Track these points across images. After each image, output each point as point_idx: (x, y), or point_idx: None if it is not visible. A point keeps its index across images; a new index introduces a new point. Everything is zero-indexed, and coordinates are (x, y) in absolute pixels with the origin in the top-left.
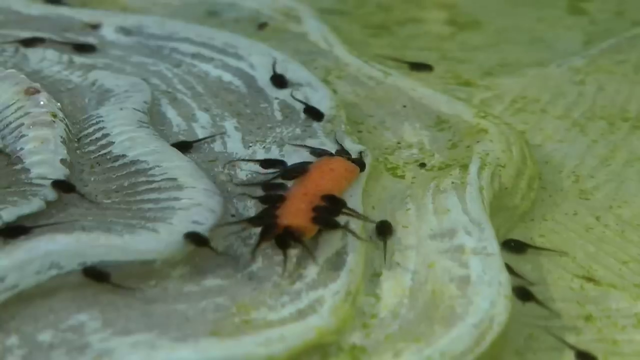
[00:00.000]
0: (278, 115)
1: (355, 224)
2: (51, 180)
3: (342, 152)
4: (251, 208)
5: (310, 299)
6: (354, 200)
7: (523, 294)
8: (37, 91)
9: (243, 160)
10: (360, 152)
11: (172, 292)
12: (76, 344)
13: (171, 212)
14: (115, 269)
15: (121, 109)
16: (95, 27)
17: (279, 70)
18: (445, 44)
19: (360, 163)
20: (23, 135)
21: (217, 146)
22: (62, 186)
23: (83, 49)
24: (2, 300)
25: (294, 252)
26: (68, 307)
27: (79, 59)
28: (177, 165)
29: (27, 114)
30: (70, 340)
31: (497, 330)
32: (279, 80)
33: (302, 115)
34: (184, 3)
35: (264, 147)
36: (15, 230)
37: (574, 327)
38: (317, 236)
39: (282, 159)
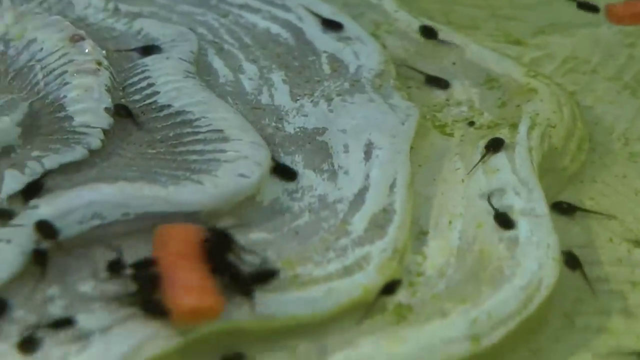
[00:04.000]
0: (326, 69)
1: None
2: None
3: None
4: (299, 162)
5: (357, 256)
6: (400, 157)
7: (572, 260)
8: (82, 38)
9: None
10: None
11: None
12: (118, 295)
13: (216, 164)
14: (160, 219)
15: (167, 58)
16: None
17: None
18: (495, 1)
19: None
20: (67, 83)
21: (264, 98)
22: (121, 110)
23: None
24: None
25: (341, 207)
26: (110, 258)
27: (124, 6)
28: (224, 116)
29: (71, 61)
30: (111, 291)
31: (545, 293)
32: (332, 24)
33: (351, 69)
34: None
35: (311, 100)
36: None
37: (621, 291)
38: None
39: None
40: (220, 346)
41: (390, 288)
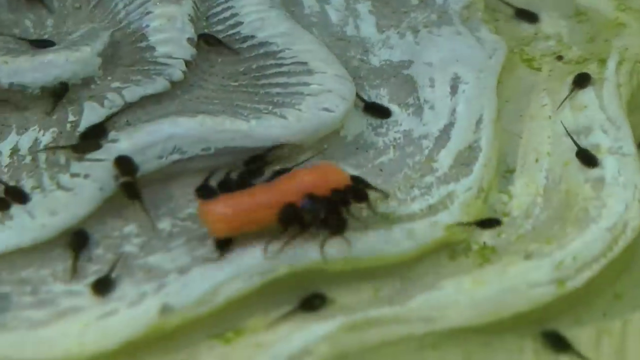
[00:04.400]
0: (413, 0)
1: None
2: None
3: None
4: (384, 96)
5: (441, 194)
6: (487, 92)
7: None
8: None
9: None
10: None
11: None
12: (196, 234)
13: (300, 97)
14: (240, 154)
15: None
16: None
17: None
18: None
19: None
20: (149, 12)
21: (349, 30)
22: (209, 38)
23: None
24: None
25: (426, 143)
26: (189, 194)
27: None
28: (308, 48)
29: None
30: (190, 230)
31: (631, 236)
32: None
33: (439, 0)
34: None
35: (398, 32)
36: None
37: None
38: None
39: None
40: (299, 288)
41: (487, 223)
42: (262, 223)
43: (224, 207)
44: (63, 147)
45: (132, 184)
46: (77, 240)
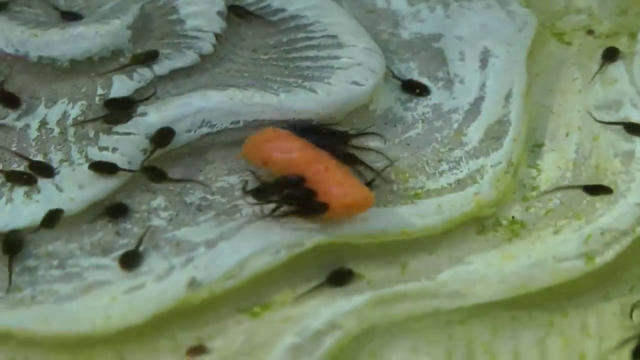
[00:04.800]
0: None
1: None
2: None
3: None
4: (414, 70)
5: (471, 169)
6: (517, 66)
7: None
8: None
9: None
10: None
11: None
12: (225, 208)
13: (330, 71)
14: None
15: None
16: None
17: None
18: None
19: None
20: None
21: (380, 2)
22: (238, 10)
23: None
24: (150, 158)
25: (456, 117)
26: (218, 168)
27: None
28: (338, 21)
29: None
30: (219, 204)
31: None
32: None
33: None
34: None
35: (428, 5)
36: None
37: None
38: None
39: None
40: (326, 262)
41: (595, 190)
42: (283, 171)
43: (262, 135)
44: (94, 120)
45: (154, 169)
46: (116, 211)
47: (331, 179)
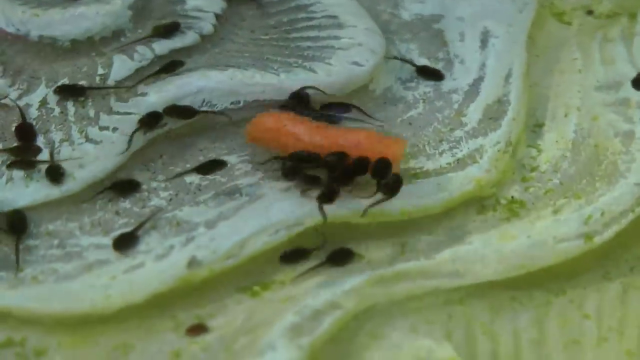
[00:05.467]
0: None
1: None
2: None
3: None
4: (414, 50)
5: (470, 148)
6: (516, 46)
7: None
8: None
9: None
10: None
11: None
12: (225, 188)
13: (330, 51)
14: (270, 107)
15: None
16: None
17: None
18: None
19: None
20: None
21: None
22: None
23: None
24: (150, 138)
25: (456, 97)
26: (218, 147)
27: None
28: (339, 2)
29: None
30: (219, 184)
31: None
32: None
33: None
34: None
35: None
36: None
37: None
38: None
39: None
40: (326, 242)
41: None
42: (289, 150)
43: (269, 116)
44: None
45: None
46: (124, 187)
47: (366, 144)
